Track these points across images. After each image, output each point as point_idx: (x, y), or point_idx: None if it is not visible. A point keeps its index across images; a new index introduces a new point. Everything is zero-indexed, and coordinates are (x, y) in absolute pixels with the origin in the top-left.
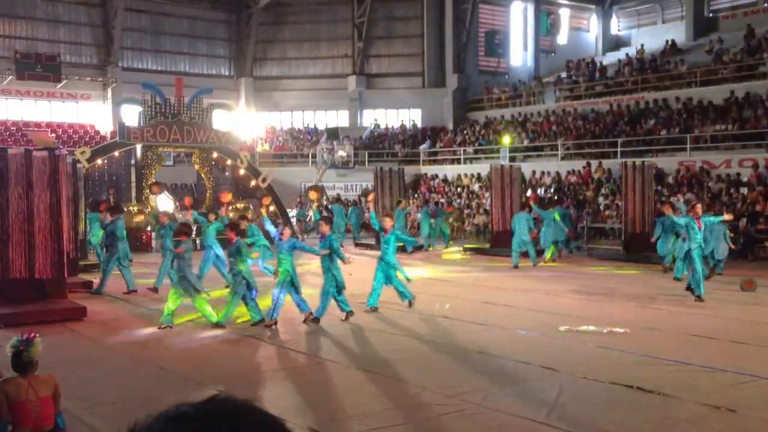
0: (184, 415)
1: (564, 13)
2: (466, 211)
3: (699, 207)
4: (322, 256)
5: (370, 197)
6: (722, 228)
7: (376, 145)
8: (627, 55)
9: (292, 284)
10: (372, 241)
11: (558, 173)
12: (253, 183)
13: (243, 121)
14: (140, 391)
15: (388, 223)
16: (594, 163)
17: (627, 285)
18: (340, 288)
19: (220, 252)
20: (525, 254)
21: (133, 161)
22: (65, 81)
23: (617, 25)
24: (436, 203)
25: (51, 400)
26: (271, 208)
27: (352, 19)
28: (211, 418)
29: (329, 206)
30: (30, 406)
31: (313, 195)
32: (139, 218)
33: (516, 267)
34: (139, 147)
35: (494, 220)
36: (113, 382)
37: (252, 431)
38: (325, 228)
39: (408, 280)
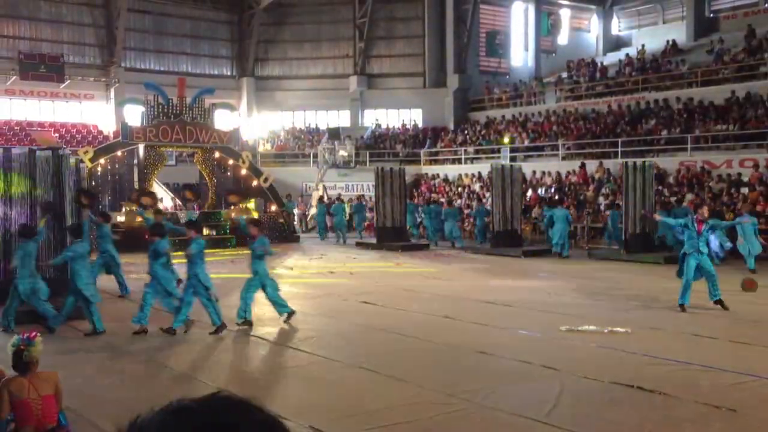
0: (186, 409)
1: (565, 14)
2: (466, 211)
3: (705, 210)
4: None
5: (233, 199)
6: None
7: (377, 145)
8: (628, 55)
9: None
10: (373, 241)
11: (558, 173)
12: (255, 183)
13: (247, 122)
14: (144, 389)
15: (253, 230)
16: (594, 163)
17: (628, 285)
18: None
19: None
20: (531, 254)
21: (135, 161)
22: (68, 81)
23: (618, 26)
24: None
25: (53, 399)
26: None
27: (354, 20)
28: (213, 413)
29: (332, 205)
30: (32, 405)
31: (145, 200)
32: (142, 218)
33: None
34: (141, 147)
35: (495, 220)
36: (117, 380)
37: (252, 428)
38: (190, 233)
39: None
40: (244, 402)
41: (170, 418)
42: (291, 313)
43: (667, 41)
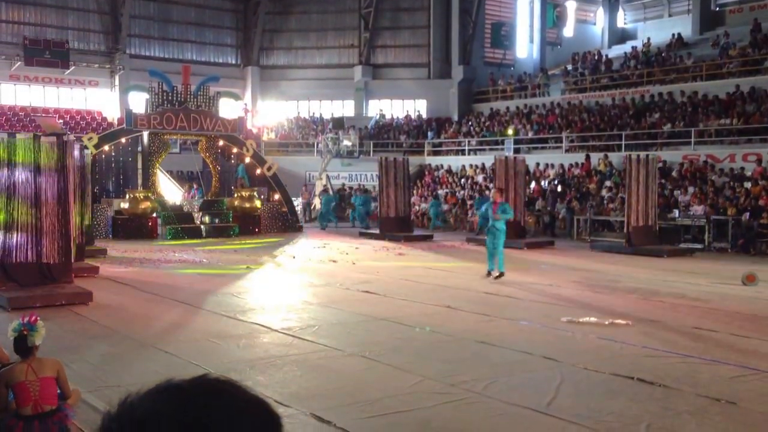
0: (176, 387)
1: (570, 6)
2: (469, 202)
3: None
4: None
5: None
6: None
7: (381, 135)
8: (633, 48)
9: None
10: (376, 231)
11: (562, 165)
12: (258, 171)
13: (252, 110)
14: (144, 375)
15: None
16: (598, 155)
17: (629, 277)
18: None
19: None
20: (533, 245)
21: (139, 148)
22: (73, 67)
23: (623, 18)
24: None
25: (53, 381)
26: None
27: (359, 10)
28: (203, 392)
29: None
30: (29, 386)
31: None
32: (145, 205)
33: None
34: (145, 134)
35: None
36: (117, 366)
37: (241, 407)
38: None
39: None
40: (232, 383)
41: (160, 397)
42: None
43: (673, 35)
